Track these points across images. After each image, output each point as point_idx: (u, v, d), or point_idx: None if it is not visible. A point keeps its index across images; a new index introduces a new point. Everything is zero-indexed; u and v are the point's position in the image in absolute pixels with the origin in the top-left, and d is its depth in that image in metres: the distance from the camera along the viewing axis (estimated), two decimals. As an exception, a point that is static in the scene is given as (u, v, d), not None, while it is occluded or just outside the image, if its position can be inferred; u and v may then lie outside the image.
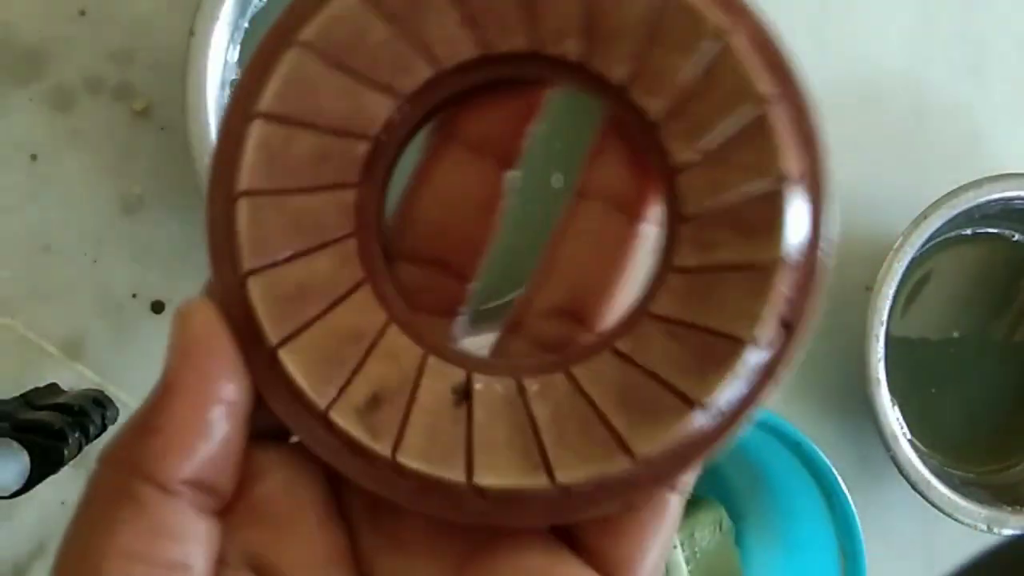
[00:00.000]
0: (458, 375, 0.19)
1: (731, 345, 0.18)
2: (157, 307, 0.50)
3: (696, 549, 0.52)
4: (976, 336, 0.56)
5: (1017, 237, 0.55)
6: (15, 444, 0.41)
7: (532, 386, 0.18)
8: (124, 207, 0.50)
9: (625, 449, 0.18)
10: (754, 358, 0.19)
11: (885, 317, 0.49)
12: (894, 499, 0.55)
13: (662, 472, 0.18)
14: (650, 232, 0.21)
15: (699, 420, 0.18)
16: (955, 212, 0.49)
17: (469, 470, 0.18)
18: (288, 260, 0.19)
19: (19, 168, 0.50)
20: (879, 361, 0.49)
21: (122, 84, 0.50)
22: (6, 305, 0.49)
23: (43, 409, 0.45)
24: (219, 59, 0.43)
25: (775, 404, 0.54)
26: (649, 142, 0.19)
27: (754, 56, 0.19)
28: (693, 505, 0.54)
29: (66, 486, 0.48)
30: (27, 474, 0.41)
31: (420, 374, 0.19)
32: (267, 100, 0.19)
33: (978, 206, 0.50)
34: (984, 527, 0.50)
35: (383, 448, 0.18)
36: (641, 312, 0.19)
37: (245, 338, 0.19)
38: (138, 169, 0.50)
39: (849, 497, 0.48)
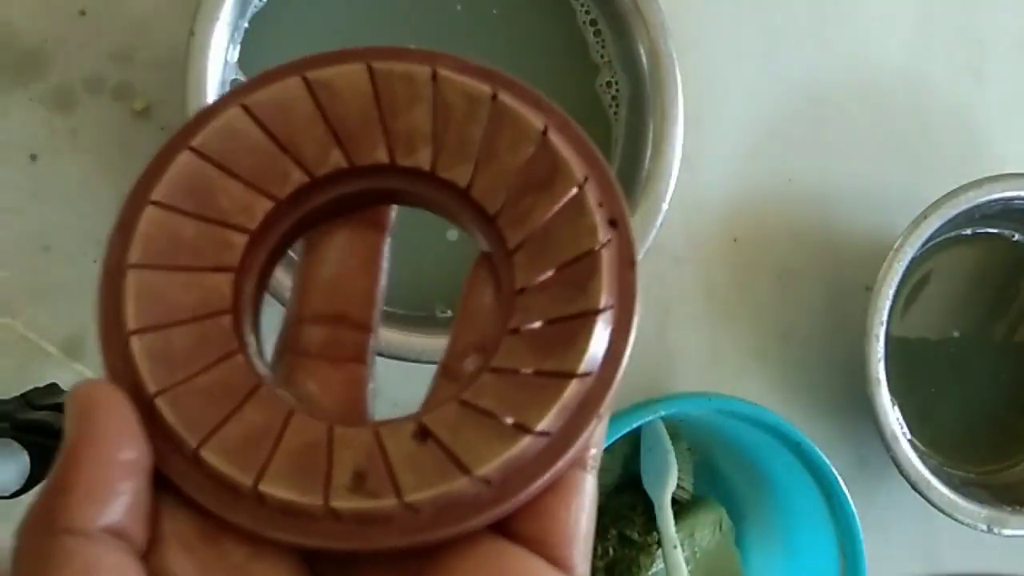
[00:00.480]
0: (320, 426, 0.21)
1: (560, 380, 0.21)
2: (157, 307, 0.50)
3: (696, 549, 0.52)
4: (976, 336, 0.56)
5: (1017, 237, 0.55)
6: (15, 444, 0.41)
7: (385, 431, 0.21)
8: (124, 207, 0.50)
9: (464, 470, 0.20)
10: (576, 390, 0.21)
11: (885, 317, 0.49)
12: (894, 499, 0.55)
13: (506, 493, 0.21)
14: (388, 244, 0.25)
15: (531, 444, 0.21)
16: (955, 212, 0.50)
17: (326, 495, 0.20)
18: (170, 326, 0.22)
19: (19, 168, 0.50)
20: (879, 361, 0.49)
21: (122, 84, 0.50)
22: (6, 305, 0.49)
23: (43, 409, 0.45)
24: (219, 59, 0.43)
25: (775, 404, 0.54)
26: (487, 232, 0.23)
27: (567, 145, 0.23)
28: (693, 505, 0.54)
29: (66, 486, 0.48)
30: (27, 474, 0.41)
31: (286, 424, 0.21)
32: (160, 190, 0.22)
33: (978, 206, 0.50)
34: (984, 527, 0.50)
35: (247, 479, 0.20)
36: (482, 369, 0.22)
37: (129, 391, 0.21)
38: (138, 169, 0.50)
39: (849, 497, 0.48)
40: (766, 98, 0.56)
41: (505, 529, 0.21)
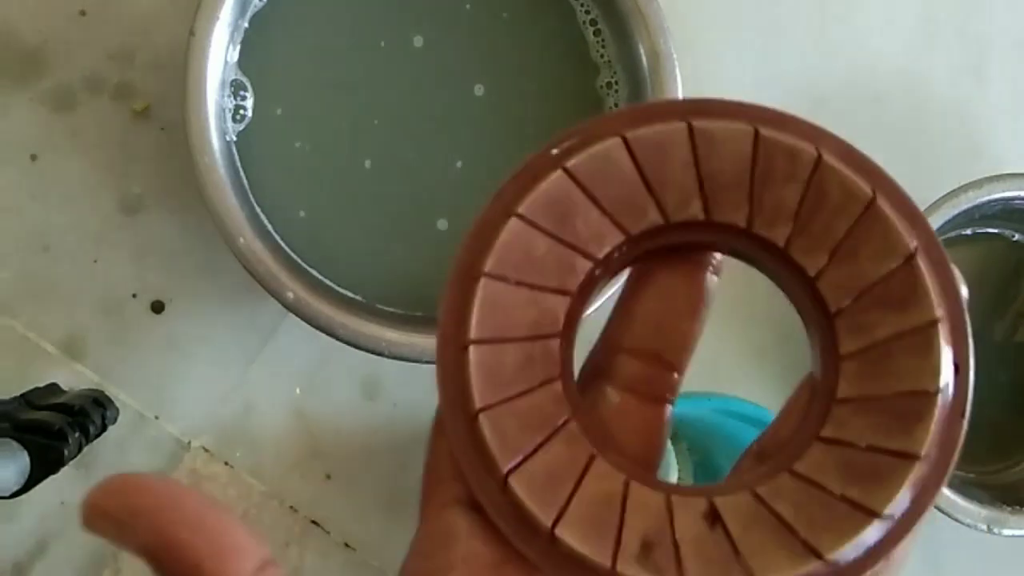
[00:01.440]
0: (618, 477, 0.22)
1: (863, 516, 0.21)
2: (157, 307, 0.50)
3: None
4: (976, 336, 0.56)
5: (1017, 237, 0.55)
6: (15, 444, 0.41)
7: (677, 502, 0.22)
8: (124, 207, 0.50)
9: (748, 574, 0.21)
10: (877, 527, 0.21)
11: None
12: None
13: (850, 571, 0.21)
14: (713, 282, 0.25)
15: (818, 568, 0.21)
16: (955, 212, 0.49)
17: (615, 557, 0.21)
18: (505, 342, 0.22)
19: (19, 168, 0.50)
20: None
21: (122, 84, 0.50)
22: (6, 305, 0.49)
23: (43, 409, 0.45)
24: (219, 59, 0.43)
25: (775, 404, 0.54)
26: (821, 326, 0.23)
27: (932, 273, 0.22)
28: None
29: (66, 486, 0.48)
30: (27, 474, 0.41)
31: (587, 467, 0.22)
32: (527, 205, 0.23)
33: (978, 206, 0.50)
34: (984, 527, 0.50)
35: (546, 519, 0.21)
36: (783, 466, 0.22)
37: (455, 398, 0.22)
38: (138, 169, 0.50)
39: None
40: (766, 98, 0.56)
41: None
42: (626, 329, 0.24)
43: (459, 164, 0.47)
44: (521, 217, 0.23)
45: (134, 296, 0.50)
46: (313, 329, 0.43)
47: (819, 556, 0.21)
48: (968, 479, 0.55)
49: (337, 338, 0.43)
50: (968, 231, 0.55)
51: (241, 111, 0.45)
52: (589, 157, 0.23)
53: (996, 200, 0.50)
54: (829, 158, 0.23)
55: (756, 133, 0.23)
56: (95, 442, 0.47)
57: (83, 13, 0.50)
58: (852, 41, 0.57)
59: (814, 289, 0.23)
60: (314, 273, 0.46)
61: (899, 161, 0.57)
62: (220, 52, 0.43)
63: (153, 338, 0.50)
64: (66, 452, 0.42)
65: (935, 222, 0.49)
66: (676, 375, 0.25)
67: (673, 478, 0.51)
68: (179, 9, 0.50)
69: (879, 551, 0.21)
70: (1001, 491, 0.54)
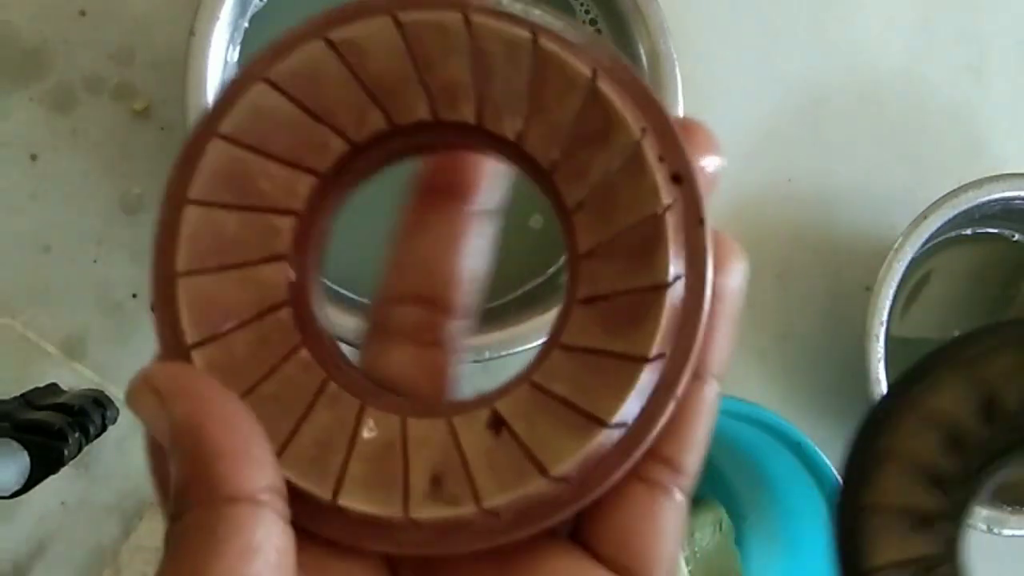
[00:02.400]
0: (393, 421, 0.20)
1: (632, 365, 0.20)
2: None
3: (696, 549, 0.52)
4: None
5: (1017, 237, 0.55)
6: (15, 444, 0.41)
7: (459, 422, 0.20)
8: (124, 207, 0.50)
9: (541, 470, 0.20)
10: (650, 375, 0.20)
11: (885, 317, 0.49)
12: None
13: (585, 489, 0.20)
14: (485, 217, 0.23)
15: (607, 436, 0.20)
16: (955, 212, 0.49)
17: (406, 505, 0.20)
18: (228, 332, 0.21)
19: (19, 168, 0.50)
20: (879, 361, 0.49)
21: (122, 84, 0.50)
22: (6, 305, 0.49)
23: (43, 409, 0.45)
24: (219, 59, 0.43)
25: (775, 404, 0.54)
26: (545, 186, 0.22)
27: (623, 95, 0.21)
28: (693, 505, 0.54)
29: (66, 486, 0.48)
30: (27, 474, 0.41)
31: (358, 422, 0.20)
32: (196, 187, 0.21)
33: (978, 206, 0.50)
34: (984, 527, 0.50)
35: (325, 493, 0.20)
36: (553, 343, 0.21)
37: None
38: (138, 169, 0.50)
39: None
40: (766, 98, 0.56)
41: (588, 545, 0.21)
42: (397, 278, 0.23)
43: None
44: (195, 202, 0.21)
45: (134, 296, 0.50)
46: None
47: (602, 423, 0.20)
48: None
49: (338, 339, 0.43)
50: (968, 231, 0.55)
51: (241, 111, 0.45)
52: (240, 113, 0.21)
53: (996, 200, 0.50)
54: (479, 18, 0.21)
55: (397, 21, 0.21)
56: (95, 442, 0.47)
57: (83, 13, 0.50)
58: (852, 41, 0.57)
59: (523, 153, 0.21)
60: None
61: (899, 161, 0.58)
62: (220, 52, 0.43)
63: (153, 338, 0.50)
64: (66, 452, 0.42)
65: (935, 222, 0.49)
66: (456, 319, 0.23)
67: None
68: (179, 9, 0.50)
69: (662, 394, 0.20)
70: (1001, 491, 0.54)
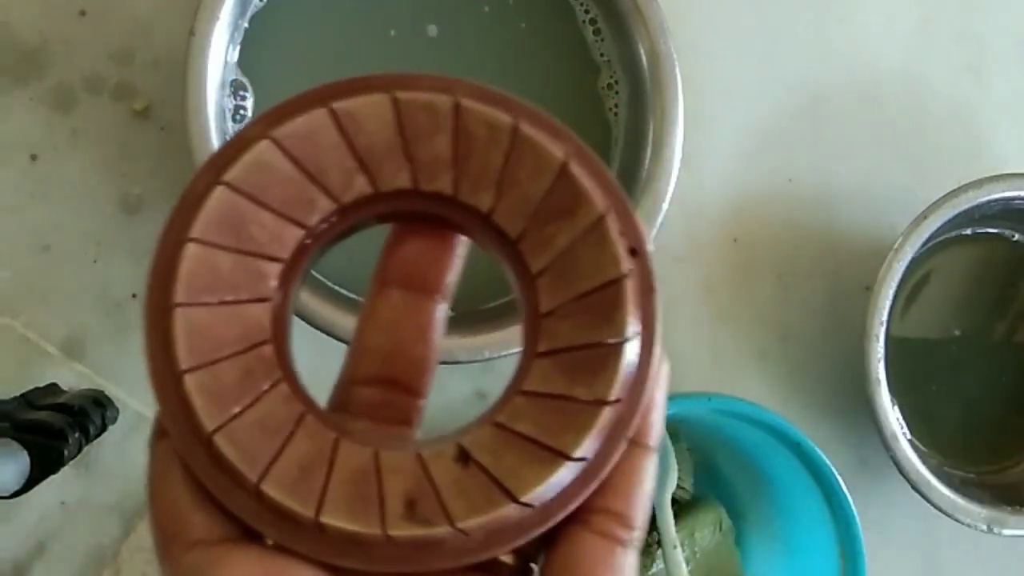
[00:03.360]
0: (367, 452, 0.22)
1: (594, 407, 0.22)
2: (157, 307, 0.50)
3: (696, 549, 0.52)
4: (976, 336, 0.56)
5: (1017, 237, 0.55)
6: (15, 444, 0.41)
7: (427, 455, 0.22)
8: (124, 207, 0.50)
9: (510, 496, 0.22)
10: (609, 416, 0.23)
11: (885, 317, 0.49)
12: (894, 499, 0.55)
13: (547, 514, 0.22)
14: (443, 310, 0.26)
15: (569, 469, 0.22)
16: (955, 212, 0.50)
17: (383, 524, 0.22)
18: (217, 361, 0.23)
19: (19, 168, 0.50)
20: (879, 361, 0.49)
21: (122, 84, 0.50)
22: (6, 305, 0.49)
23: (43, 409, 0.45)
24: (219, 59, 0.43)
25: (775, 404, 0.54)
26: (509, 255, 0.24)
27: (590, 177, 0.24)
28: (693, 505, 0.54)
29: (66, 486, 0.48)
30: (27, 474, 0.41)
31: (335, 450, 0.22)
32: (198, 227, 0.23)
33: (978, 206, 0.50)
34: (984, 527, 0.50)
35: (308, 511, 0.22)
36: (514, 391, 0.23)
37: (183, 428, 0.22)
38: (138, 169, 0.50)
39: (849, 497, 0.48)
40: (766, 98, 0.56)
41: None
42: (359, 360, 0.25)
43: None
44: (196, 240, 0.23)
45: (134, 296, 0.50)
46: (313, 329, 0.43)
47: (567, 456, 0.22)
48: (968, 479, 0.55)
49: (337, 338, 0.43)
50: (968, 231, 0.55)
51: (241, 111, 0.45)
52: (245, 165, 0.23)
53: (996, 200, 0.50)
54: (467, 102, 0.24)
55: (394, 99, 0.24)
56: (95, 442, 0.47)
57: (83, 13, 0.50)
58: (852, 41, 0.57)
59: (492, 224, 0.24)
60: (314, 273, 0.46)
61: (899, 161, 0.58)
62: (220, 52, 0.43)
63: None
64: (66, 452, 0.42)
65: (935, 222, 0.49)
66: (417, 399, 0.25)
67: (673, 479, 0.51)
68: (179, 9, 0.50)
69: (617, 433, 0.23)
70: (1001, 491, 0.54)
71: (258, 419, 0.22)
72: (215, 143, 0.43)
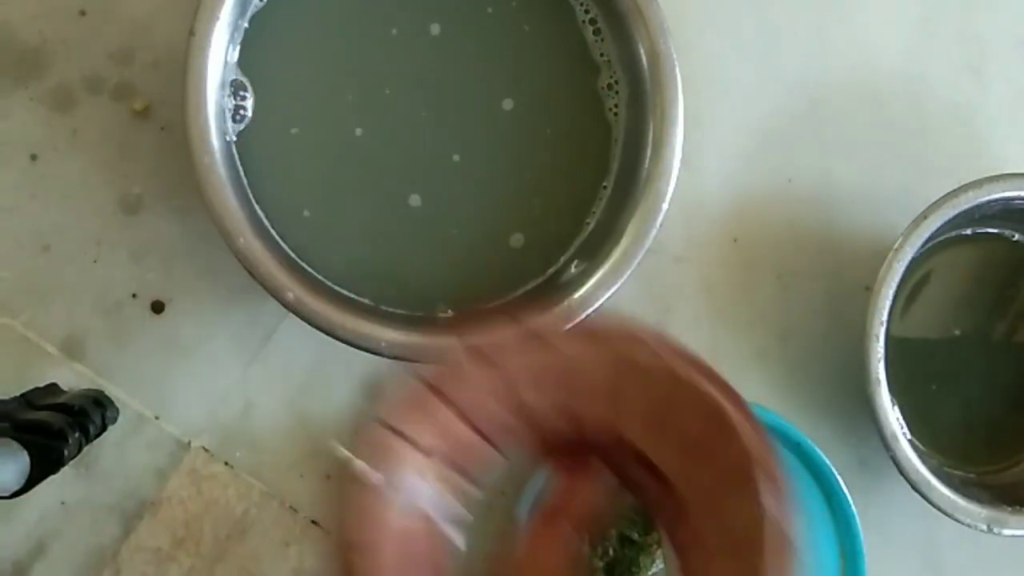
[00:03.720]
0: None
1: None
2: (157, 307, 0.50)
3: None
4: (976, 336, 0.56)
5: (1017, 237, 0.55)
6: (15, 444, 0.41)
7: None
8: (124, 207, 0.50)
9: None
10: None
11: (885, 317, 0.49)
12: (894, 499, 0.55)
13: None
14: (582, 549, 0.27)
15: None
16: (955, 212, 0.49)
17: None
18: None
19: (19, 168, 0.50)
20: (879, 361, 0.49)
21: (122, 84, 0.50)
22: (6, 305, 0.49)
23: (43, 409, 0.45)
24: (219, 59, 0.43)
25: (775, 404, 0.54)
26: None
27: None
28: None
29: (66, 486, 0.48)
30: (27, 474, 0.41)
31: None
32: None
33: (978, 206, 0.50)
34: (984, 527, 0.50)
35: None
36: None
37: None
38: (138, 169, 0.50)
39: (849, 497, 0.48)
40: (766, 98, 0.56)
41: None
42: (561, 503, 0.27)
43: (456, 158, 0.47)
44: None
45: (134, 296, 0.50)
46: (313, 329, 0.43)
47: None
48: (968, 479, 0.55)
49: (337, 338, 0.43)
50: (968, 231, 0.55)
51: (241, 111, 0.45)
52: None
53: (996, 200, 0.50)
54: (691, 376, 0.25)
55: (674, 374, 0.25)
56: (95, 442, 0.47)
57: (83, 13, 0.50)
58: (852, 41, 0.57)
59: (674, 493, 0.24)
60: (314, 273, 0.46)
61: (899, 161, 0.58)
62: (220, 52, 0.43)
63: (153, 338, 0.50)
64: (66, 452, 0.42)
65: (935, 222, 0.49)
66: None
67: None
68: (179, 9, 0.50)
69: None
70: (1001, 491, 0.54)
71: None
72: (215, 143, 0.43)
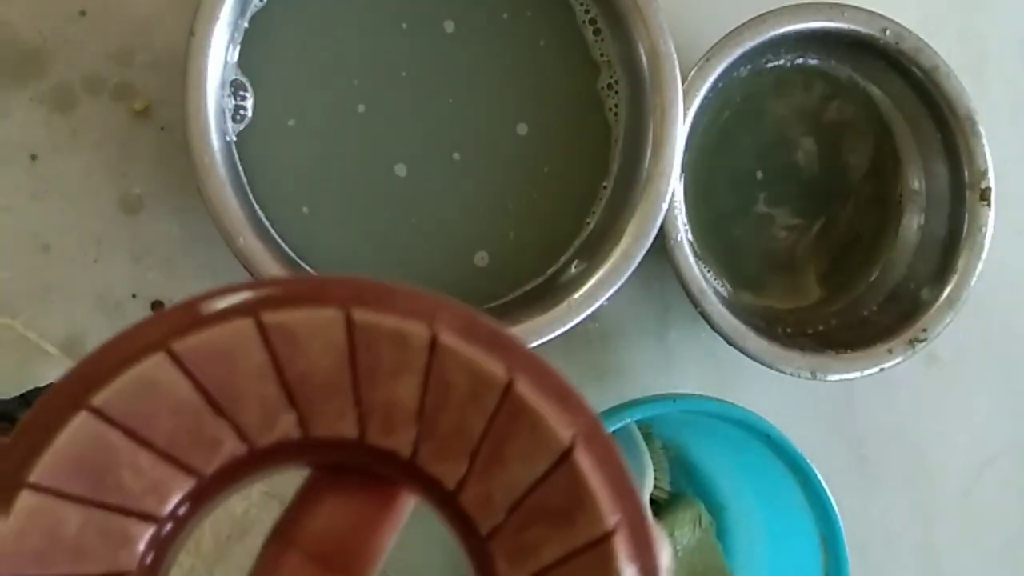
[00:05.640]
0: None
1: None
2: (157, 307, 0.50)
3: (678, 547, 0.52)
4: (790, 170, 0.54)
5: (814, 63, 0.53)
6: (15, 444, 0.41)
7: None
8: (124, 207, 0.50)
9: None
10: None
11: (677, 166, 0.46)
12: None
13: None
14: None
15: None
16: (741, 51, 0.48)
17: None
18: None
19: (19, 168, 0.50)
20: (679, 217, 0.48)
21: (122, 84, 0.50)
22: (6, 305, 0.49)
23: (43, 409, 0.45)
24: (219, 59, 0.43)
25: (775, 403, 0.54)
26: (474, 550, 0.18)
27: (600, 473, 0.18)
28: (671, 503, 0.54)
29: (66, 486, 0.48)
30: (27, 474, 0.41)
31: None
32: (41, 469, 0.17)
33: (767, 41, 0.49)
34: (808, 374, 0.48)
35: None
36: None
37: None
38: (138, 169, 0.50)
39: (824, 484, 0.47)
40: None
41: None
42: (301, 525, 0.19)
43: (456, 156, 0.47)
44: (35, 487, 0.17)
45: (134, 296, 0.50)
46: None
47: None
48: (789, 332, 0.52)
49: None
50: (765, 64, 0.53)
51: (241, 111, 0.45)
52: (124, 385, 0.17)
53: (788, 32, 0.49)
54: (449, 338, 0.18)
55: (348, 319, 0.18)
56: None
57: (83, 13, 0.50)
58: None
59: (456, 506, 0.18)
60: (300, 262, 0.46)
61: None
62: (220, 52, 0.43)
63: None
64: (66, 452, 0.42)
65: (718, 64, 0.48)
66: None
67: (649, 481, 0.51)
68: (179, 9, 0.50)
69: None
70: (822, 337, 0.51)
71: None
72: (215, 143, 0.43)
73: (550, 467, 0.18)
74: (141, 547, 0.17)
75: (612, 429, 0.46)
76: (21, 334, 0.49)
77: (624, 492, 0.18)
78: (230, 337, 0.18)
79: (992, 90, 0.58)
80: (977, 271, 0.51)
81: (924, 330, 0.50)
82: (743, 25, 0.49)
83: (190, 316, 0.18)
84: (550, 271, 0.48)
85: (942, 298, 0.51)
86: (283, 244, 0.45)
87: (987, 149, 0.51)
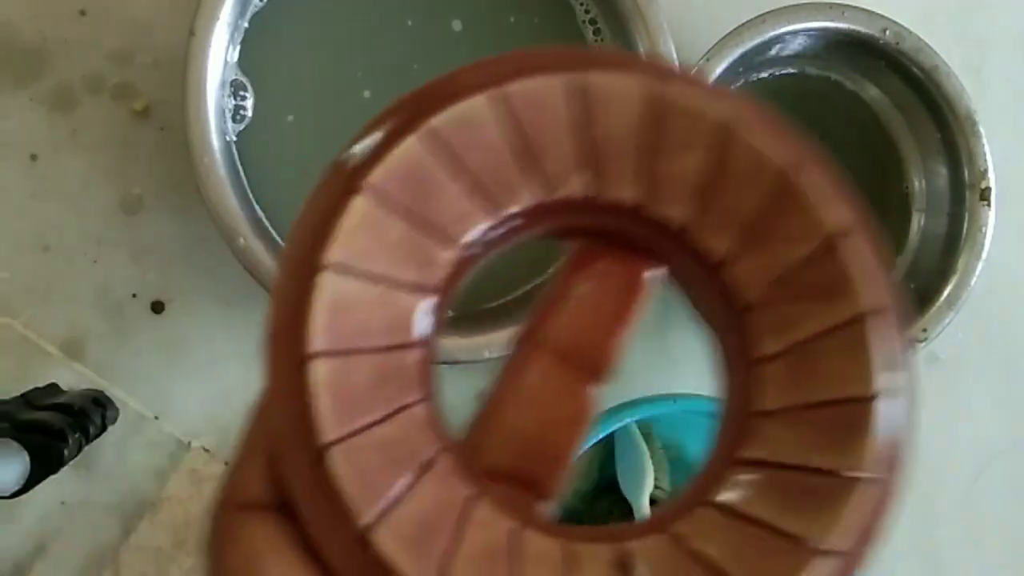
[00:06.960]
0: (503, 526, 0.18)
1: (805, 555, 0.17)
2: (157, 307, 0.50)
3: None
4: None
5: (814, 63, 0.53)
6: (15, 444, 0.41)
7: (582, 551, 0.18)
8: (124, 207, 0.50)
9: None
10: (825, 570, 0.18)
11: None
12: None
13: None
14: (598, 395, 0.20)
15: (823, 566, 0.18)
16: (741, 51, 0.48)
17: None
18: (353, 353, 0.18)
19: (19, 168, 0.50)
20: None
21: (122, 84, 0.50)
22: (6, 305, 0.49)
23: (43, 409, 0.45)
24: (219, 59, 0.43)
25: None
26: (732, 323, 0.19)
27: (860, 259, 0.19)
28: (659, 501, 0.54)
29: (66, 486, 0.48)
30: (27, 474, 0.41)
31: (467, 512, 0.18)
32: (378, 175, 0.18)
33: (768, 40, 0.48)
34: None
35: None
36: (697, 496, 0.18)
37: (292, 430, 0.18)
38: (138, 169, 0.50)
39: None
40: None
41: None
42: (492, 444, 0.20)
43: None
44: (372, 191, 0.18)
45: (134, 296, 0.50)
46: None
47: None
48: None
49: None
50: (765, 74, 0.53)
51: (241, 111, 0.45)
52: (453, 116, 0.18)
53: (777, 36, 0.49)
54: (744, 130, 0.19)
55: (651, 91, 0.18)
56: (95, 442, 0.47)
57: (83, 13, 0.50)
58: (852, 41, 0.57)
59: (719, 279, 0.19)
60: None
61: (899, 161, 0.57)
62: (220, 52, 0.43)
63: (153, 338, 0.50)
64: (66, 452, 0.42)
65: (718, 64, 0.47)
66: (547, 501, 0.20)
67: (649, 481, 0.51)
68: (179, 9, 0.50)
69: None
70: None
71: (385, 442, 0.17)
72: (215, 143, 0.43)
73: (815, 250, 0.18)
74: (441, 271, 0.18)
75: (612, 429, 0.46)
76: (21, 334, 0.49)
77: (884, 286, 0.18)
78: (546, 91, 0.18)
79: (992, 90, 0.58)
80: (977, 271, 0.51)
81: (924, 330, 0.50)
82: (743, 25, 0.49)
83: (514, 63, 0.19)
84: (550, 271, 0.48)
85: (942, 298, 0.51)
86: (283, 244, 0.45)
87: (987, 149, 0.51)
